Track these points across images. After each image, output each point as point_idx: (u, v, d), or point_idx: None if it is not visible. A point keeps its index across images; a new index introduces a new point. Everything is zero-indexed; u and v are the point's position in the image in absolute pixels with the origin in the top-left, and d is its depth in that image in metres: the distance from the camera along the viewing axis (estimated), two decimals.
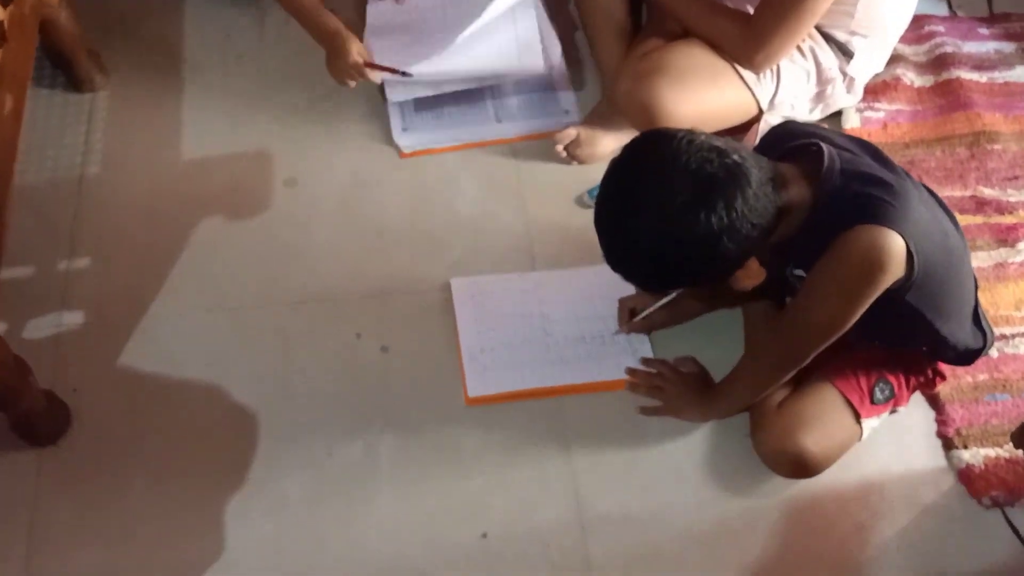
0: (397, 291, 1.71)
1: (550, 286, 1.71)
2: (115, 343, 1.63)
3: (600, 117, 1.88)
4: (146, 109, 1.97)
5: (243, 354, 1.63)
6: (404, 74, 1.79)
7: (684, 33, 1.75)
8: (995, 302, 1.68)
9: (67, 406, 1.54)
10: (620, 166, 1.24)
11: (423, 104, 1.93)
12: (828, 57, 1.75)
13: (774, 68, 1.71)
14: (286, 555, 1.43)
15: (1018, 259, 1.73)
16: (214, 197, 1.83)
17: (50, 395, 1.52)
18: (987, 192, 1.83)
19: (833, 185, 1.25)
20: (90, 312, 1.68)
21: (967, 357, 1.47)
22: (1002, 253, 1.75)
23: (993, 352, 1.60)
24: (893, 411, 1.52)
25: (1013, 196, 1.83)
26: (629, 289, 1.52)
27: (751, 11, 1.66)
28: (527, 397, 1.57)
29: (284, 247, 1.77)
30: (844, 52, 1.75)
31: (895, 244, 1.22)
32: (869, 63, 1.81)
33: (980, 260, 1.72)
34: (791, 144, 1.34)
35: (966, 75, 2.00)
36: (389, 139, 1.92)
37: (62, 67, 1.97)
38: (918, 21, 2.04)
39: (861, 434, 1.47)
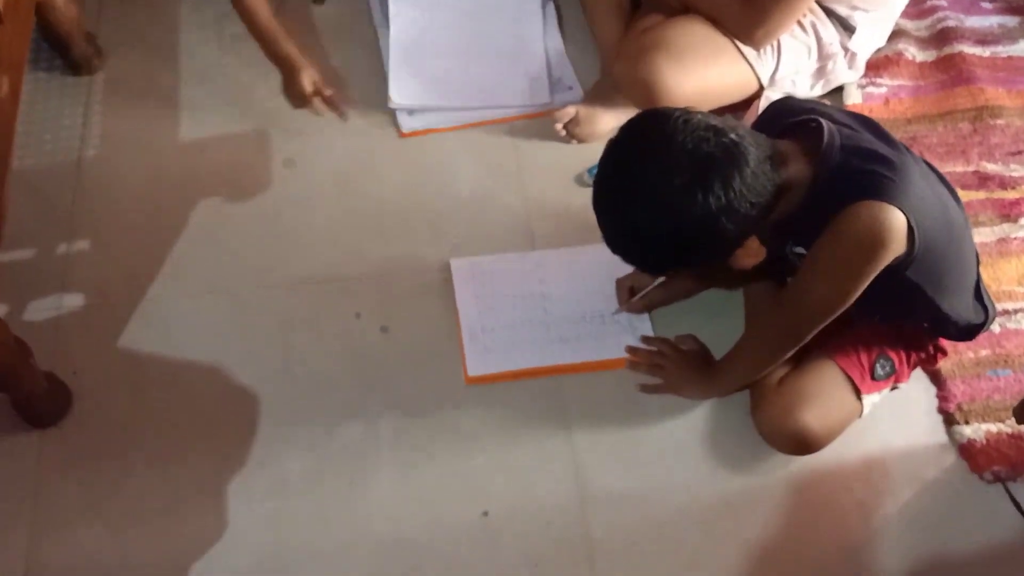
0: (397, 271, 1.71)
1: (550, 265, 1.70)
2: (115, 325, 1.63)
3: (599, 95, 1.86)
4: (143, 91, 1.97)
5: (243, 335, 1.63)
6: (342, 115, 1.81)
7: (683, 9, 1.74)
8: (997, 277, 1.67)
9: (68, 388, 1.55)
10: (617, 147, 1.23)
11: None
12: (829, 32, 1.73)
13: (775, 44, 1.70)
14: (287, 534, 1.43)
15: (1021, 234, 1.73)
16: (213, 178, 1.83)
17: (51, 377, 1.52)
18: (990, 167, 1.82)
19: (833, 161, 1.24)
20: (90, 294, 1.68)
21: (968, 332, 1.46)
22: (1005, 228, 1.74)
23: (995, 327, 1.60)
24: (894, 387, 1.52)
25: (1016, 171, 1.82)
26: (629, 268, 1.52)
27: None
28: (527, 376, 1.57)
29: (283, 228, 1.76)
30: (845, 27, 1.74)
31: (896, 220, 1.22)
32: (871, 38, 1.80)
33: (983, 235, 1.71)
34: (790, 120, 1.32)
35: (969, 50, 1.99)
36: (388, 119, 1.91)
37: (59, 50, 1.96)
38: None
39: (862, 410, 1.47)
